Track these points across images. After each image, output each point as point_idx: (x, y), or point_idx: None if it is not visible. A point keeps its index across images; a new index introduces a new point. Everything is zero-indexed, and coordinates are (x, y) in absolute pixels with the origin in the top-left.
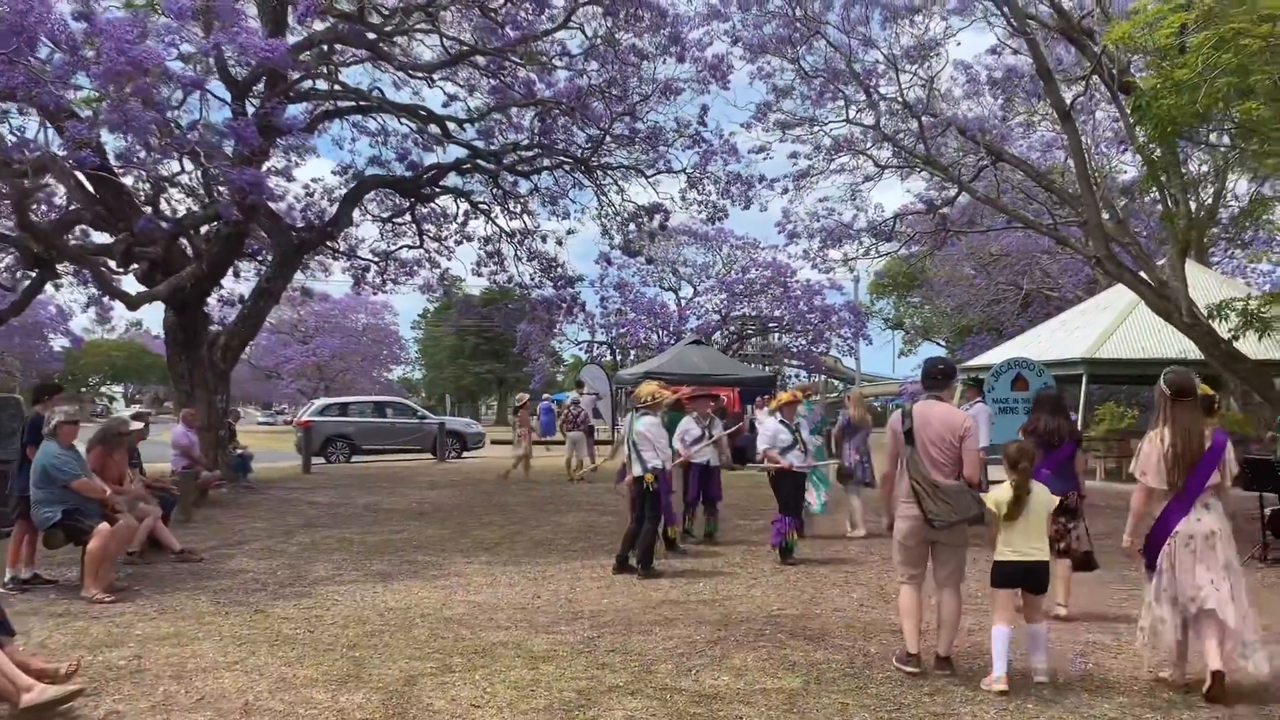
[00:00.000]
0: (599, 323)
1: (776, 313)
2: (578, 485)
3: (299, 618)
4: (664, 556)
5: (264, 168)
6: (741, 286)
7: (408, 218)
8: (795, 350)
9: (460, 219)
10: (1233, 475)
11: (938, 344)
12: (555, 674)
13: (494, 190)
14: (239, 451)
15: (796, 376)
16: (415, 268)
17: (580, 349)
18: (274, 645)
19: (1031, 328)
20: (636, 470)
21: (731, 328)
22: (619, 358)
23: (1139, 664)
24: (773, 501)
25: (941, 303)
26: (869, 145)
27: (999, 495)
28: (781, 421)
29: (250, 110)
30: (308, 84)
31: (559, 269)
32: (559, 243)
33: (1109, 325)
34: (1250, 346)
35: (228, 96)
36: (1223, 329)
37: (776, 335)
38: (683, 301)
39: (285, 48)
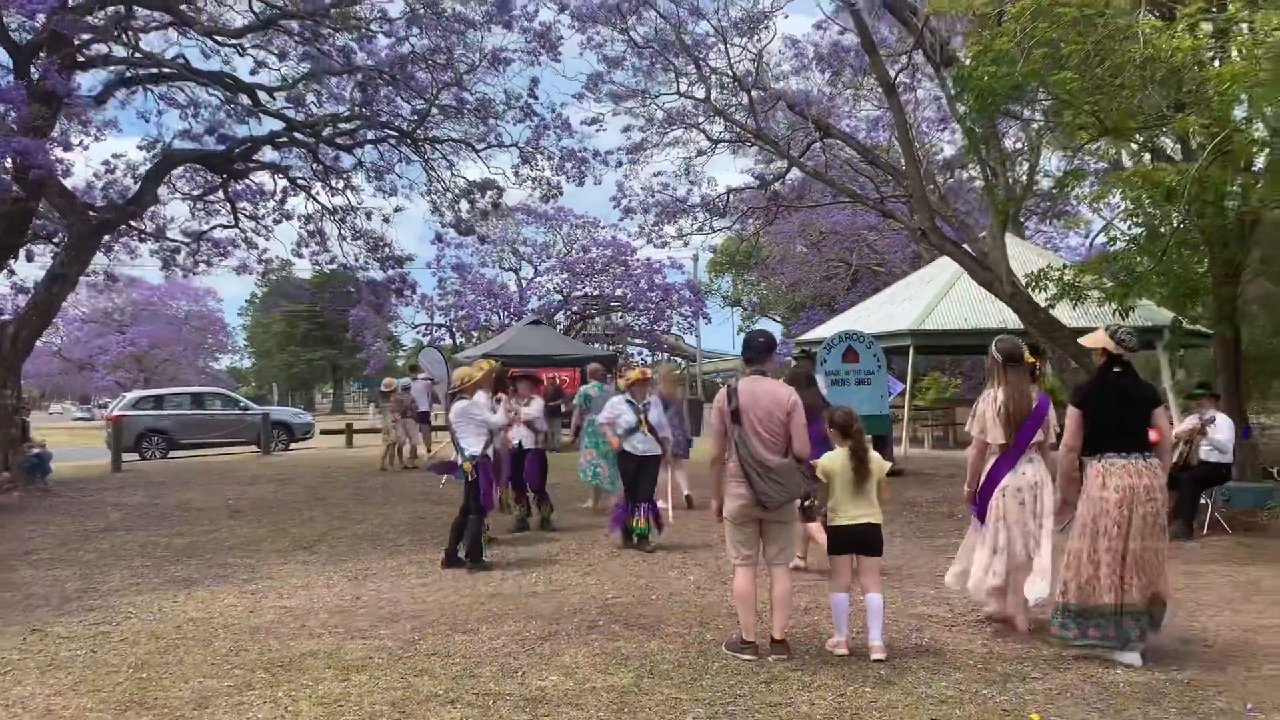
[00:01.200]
0: (437, 305)
1: (618, 292)
2: (409, 475)
3: (82, 636)
4: (511, 543)
5: (49, 139)
6: (583, 266)
7: (221, 195)
8: (638, 329)
9: (278, 196)
10: (1055, 433)
11: (774, 320)
12: (368, 685)
13: (314, 165)
14: (34, 450)
15: (639, 355)
16: (230, 248)
17: (418, 332)
18: (46, 671)
19: (861, 302)
20: (456, 458)
21: (574, 308)
22: (459, 341)
23: (974, 638)
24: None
25: (776, 280)
26: (701, 119)
27: (830, 463)
28: (628, 401)
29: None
30: (102, 49)
31: (387, 248)
32: (386, 221)
33: (934, 297)
34: (1066, 314)
35: (10, 62)
36: (1040, 298)
37: (619, 314)
38: (523, 282)
39: (56, 3)
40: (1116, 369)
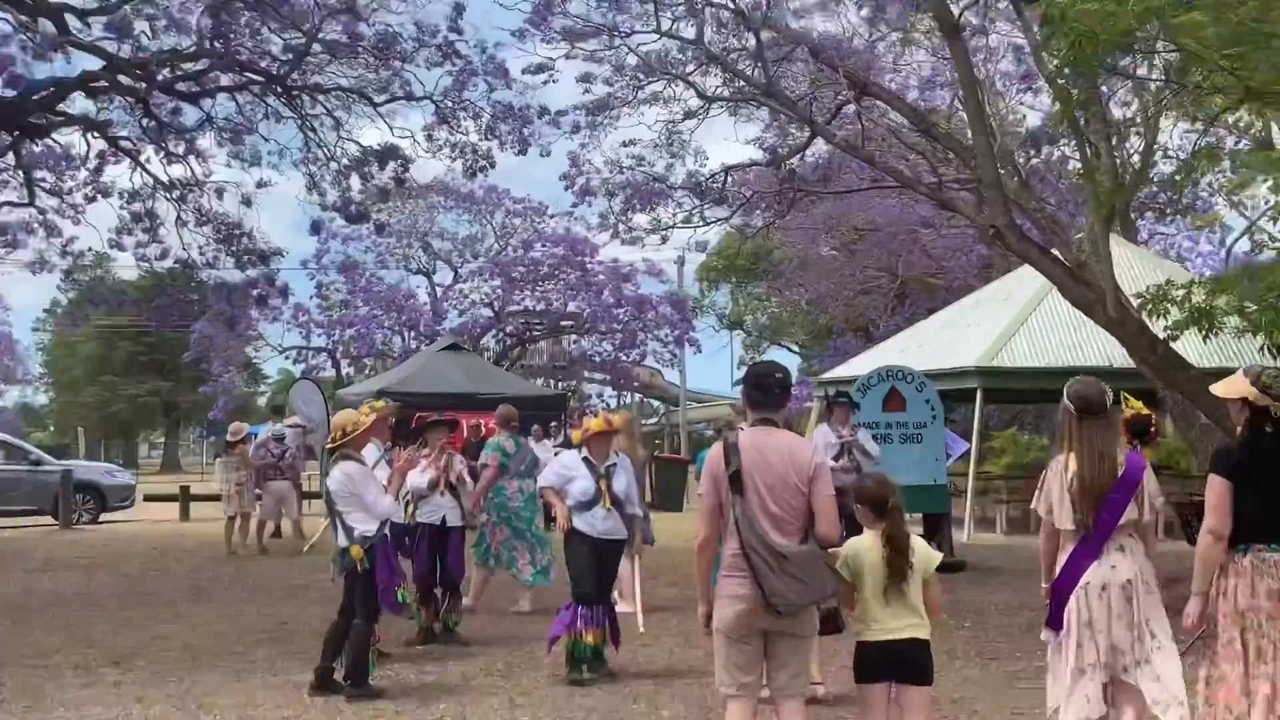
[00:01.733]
0: (316, 320)
1: (571, 306)
2: (272, 560)
3: None
4: (411, 660)
5: None
6: (522, 269)
7: (9, 160)
8: (598, 359)
9: (92, 164)
10: (1154, 510)
11: (788, 349)
12: None
13: (143, 121)
14: None
15: (600, 397)
16: (22, 236)
17: (289, 358)
18: None
19: (910, 327)
20: (340, 541)
21: (508, 327)
22: (346, 372)
23: None
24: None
25: (794, 294)
26: (690, 68)
27: (857, 552)
28: (585, 461)
29: None
30: None
31: (245, 239)
32: (245, 202)
33: (1010, 323)
34: (1194, 349)
35: None
36: (1159, 326)
37: (572, 338)
38: (438, 291)
39: None
40: (1268, 428)
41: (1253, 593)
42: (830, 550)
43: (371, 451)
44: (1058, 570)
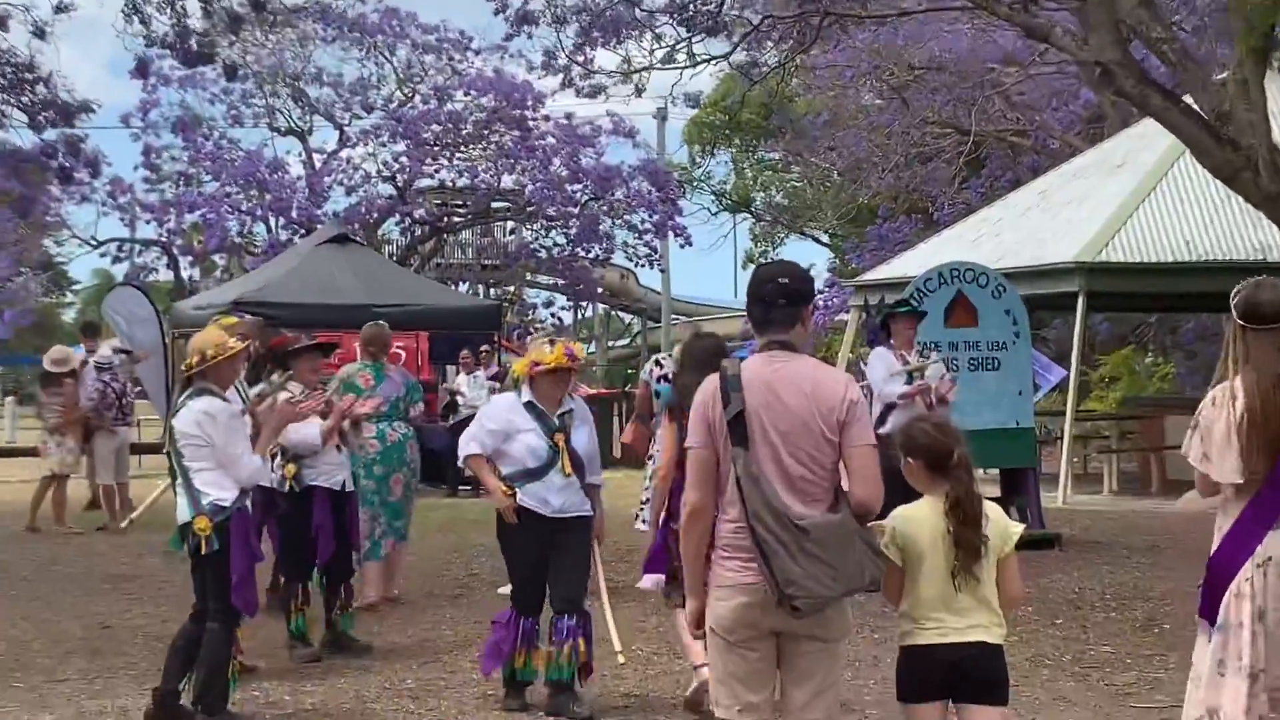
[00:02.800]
0: (141, 201)
1: (507, 181)
2: (89, 540)
3: None
4: (291, 676)
5: None
6: (437, 128)
7: None
8: (546, 254)
9: None
10: None
11: (816, 240)
12: None
13: None
14: None
15: (549, 312)
16: None
17: (104, 256)
18: None
19: (985, 207)
20: (180, 511)
21: (418, 211)
22: (187, 273)
23: None
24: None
25: (822, 161)
26: None
27: (909, 525)
28: (530, 405)
29: None
30: None
31: (41, 87)
32: (39, 33)
33: (1125, 201)
34: None
35: None
36: None
37: (508, 226)
38: (317, 159)
39: None
40: None
41: None
42: (870, 524)
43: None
44: (1215, 541)
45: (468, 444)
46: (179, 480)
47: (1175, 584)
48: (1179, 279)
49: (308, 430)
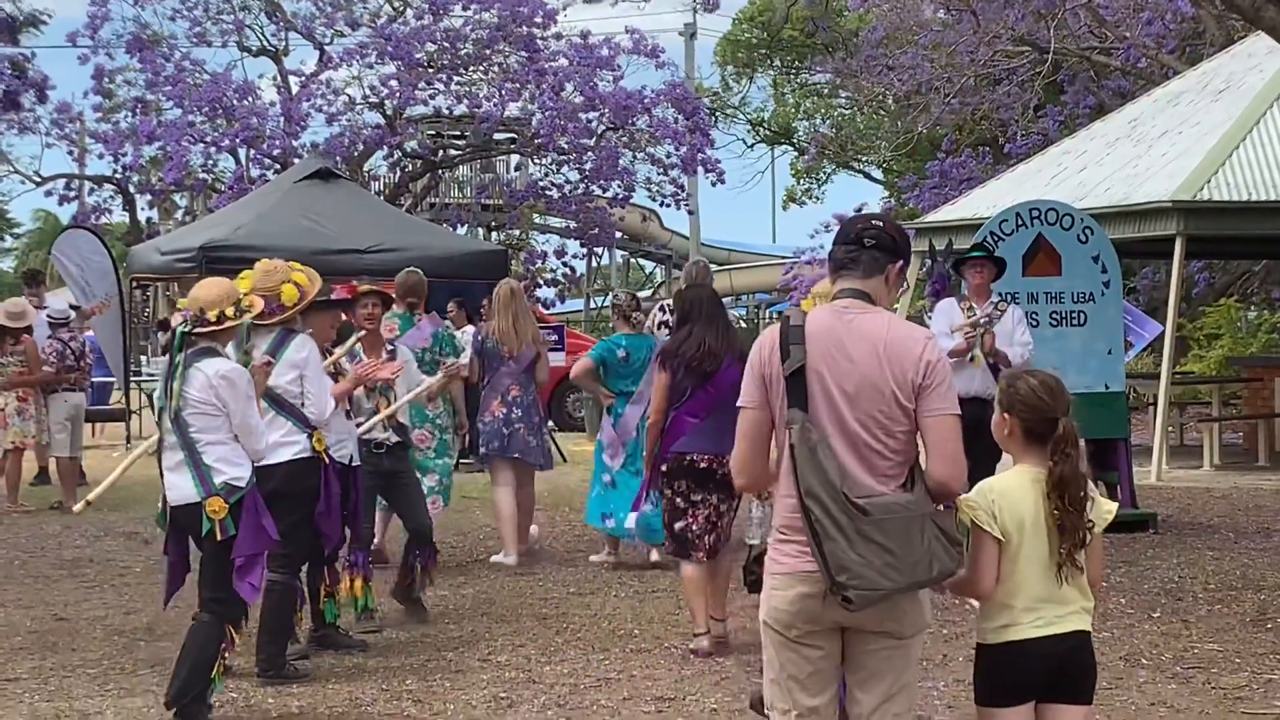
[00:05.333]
0: (93, 132)
1: (513, 109)
2: (37, 519)
3: None
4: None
5: None
6: (432, 47)
7: None
8: (557, 193)
9: None
10: None
11: (868, 176)
12: None
13: None
14: None
15: (561, 257)
16: None
17: (50, 194)
18: None
19: (1065, 137)
20: (181, 491)
21: (410, 143)
22: (145, 214)
23: None
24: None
25: (875, 84)
26: None
27: (1004, 497)
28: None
29: None
30: None
31: None
32: None
33: (1231, 132)
34: None
35: None
36: None
37: (514, 161)
38: (294, 83)
39: None
40: None
41: None
42: (960, 499)
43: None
44: None
45: None
46: (179, 455)
47: None
48: None
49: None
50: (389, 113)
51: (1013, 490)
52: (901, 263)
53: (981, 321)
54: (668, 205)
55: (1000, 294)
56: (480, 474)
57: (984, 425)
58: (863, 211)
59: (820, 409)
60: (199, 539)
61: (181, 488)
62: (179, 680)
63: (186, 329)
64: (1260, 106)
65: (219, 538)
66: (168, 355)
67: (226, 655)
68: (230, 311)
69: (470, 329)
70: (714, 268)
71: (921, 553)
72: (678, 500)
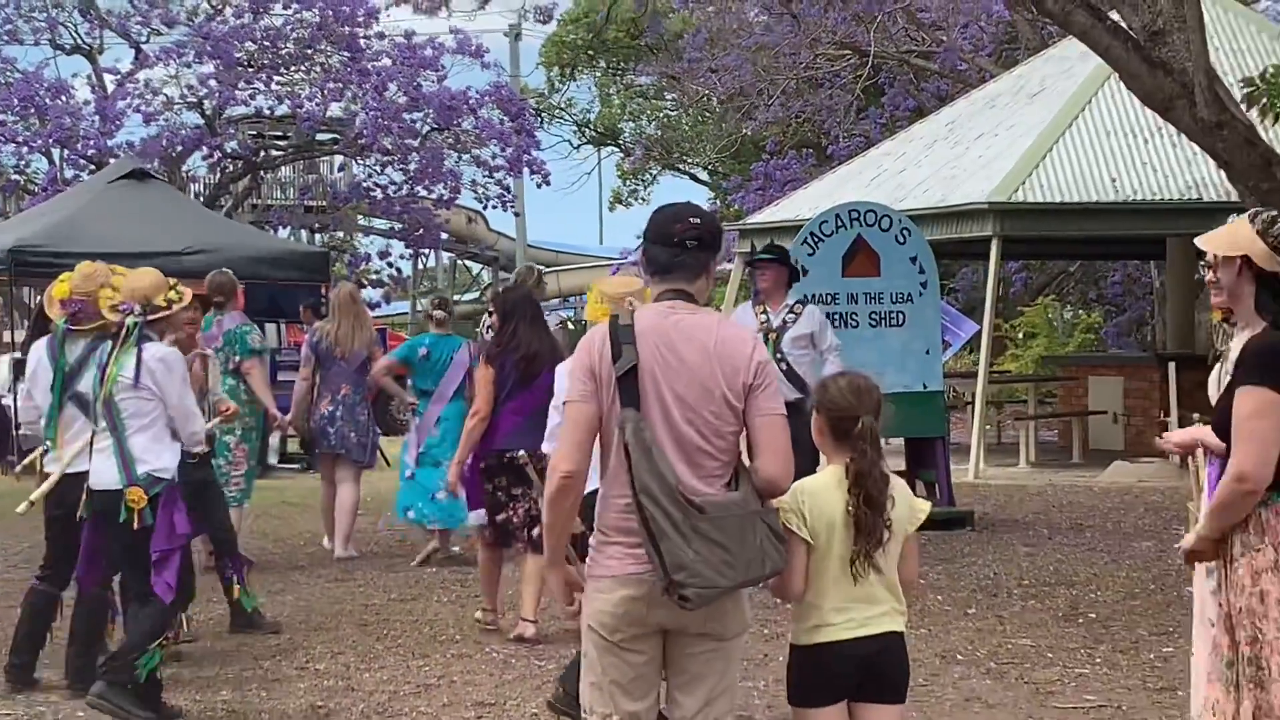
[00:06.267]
0: None
1: (335, 109)
2: None
3: None
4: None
5: None
6: (252, 45)
7: None
8: (381, 194)
9: None
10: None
11: (693, 177)
12: None
13: None
14: None
15: (383, 259)
16: None
17: None
18: None
19: (885, 139)
20: (103, 477)
21: (230, 144)
22: None
23: None
24: None
25: (700, 86)
26: None
27: (814, 499)
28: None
29: None
30: None
31: None
32: None
33: (1045, 133)
34: None
35: None
36: (1277, 134)
37: (337, 161)
38: (109, 81)
39: None
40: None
41: None
42: (773, 501)
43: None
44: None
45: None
46: (107, 441)
47: (1101, 568)
48: (1103, 221)
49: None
50: (208, 113)
51: (822, 491)
52: (717, 255)
53: (775, 326)
54: (494, 207)
55: (800, 298)
56: (303, 478)
57: None
58: (680, 203)
59: (651, 409)
60: (113, 526)
61: (104, 473)
62: (107, 669)
63: (138, 319)
64: (1073, 109)
65: (135, 526)
66: (54, 347)
67: (171, 642)
68: (174, 296)
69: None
70: (540, 268)
71: (755, 550)
72: (499, 495)
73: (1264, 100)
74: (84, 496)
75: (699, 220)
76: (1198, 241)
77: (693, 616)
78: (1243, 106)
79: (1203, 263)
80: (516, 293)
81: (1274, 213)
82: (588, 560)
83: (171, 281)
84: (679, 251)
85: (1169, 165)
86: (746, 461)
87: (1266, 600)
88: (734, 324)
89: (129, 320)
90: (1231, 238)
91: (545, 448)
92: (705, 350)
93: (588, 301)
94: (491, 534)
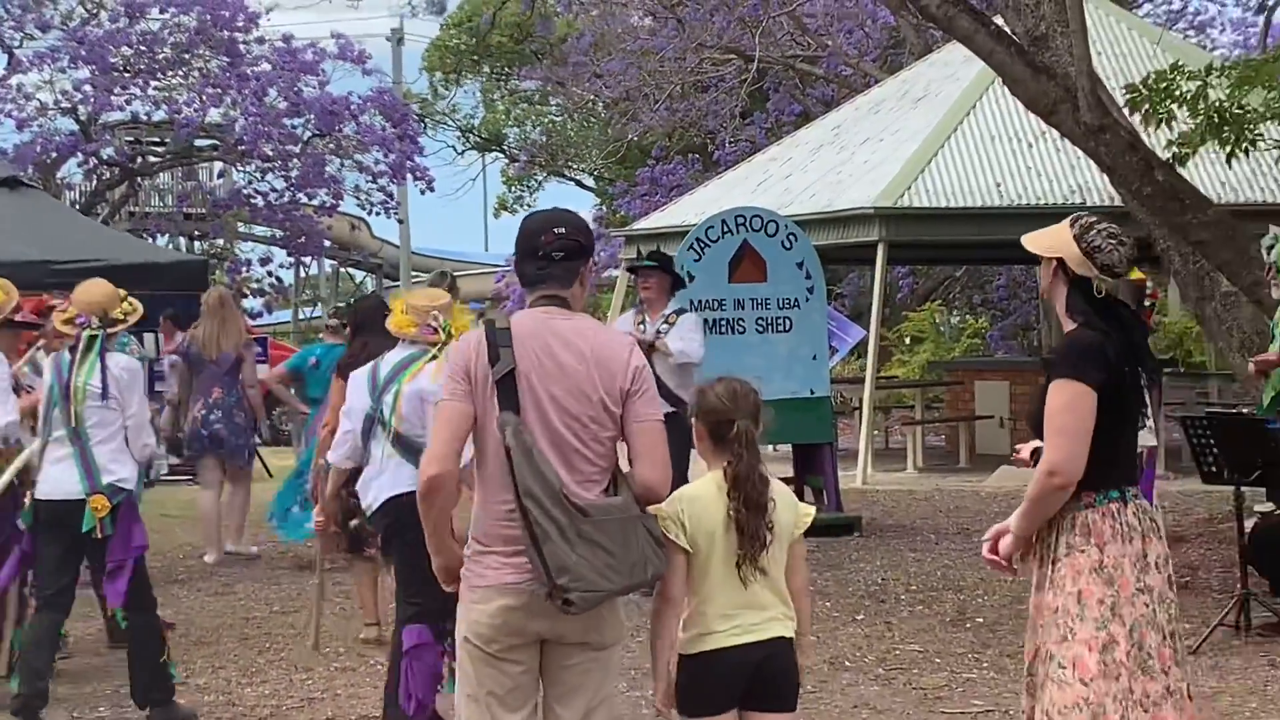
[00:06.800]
0: None
1: (214, 114)
2: None
3: None
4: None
5: None
6: (128, 50)
7: None
8: (262, 202)
9: None
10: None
11: (579, 183)
12: None
13: None
14: None
15: (266, 266)
16: None
17: None
18: None
19: (771, 144)
20: (62, 485)
21: (106, 150)
22: None
23: None
24: None
25: (585, 91)
26: None
27: (694, 505)
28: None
29: None
30: None
31: None
32: None
33: (930, 138)
34: (1212, 175)
35: None
36: (1158, 138)
37: (216, 168)
38: None
39: None
40: (1085, 306)
41: (1144, 561)
42: (652, 509)
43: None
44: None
45: None
46: (66, 449)
47: (988, 573)
48: (988, 226)
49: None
50: (83, 119)
51: (702, 498)
52: (590, 260)
53: (652, 336)
54: (377, 213)
55: (682, 305)
56: (183, 490)
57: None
58: (552, 209)
59: (529, 413)
60: (71, 535)
61: (63, 482)
62: (140, 679)
63: (97, 331)
64: (958, 114)
65: (99, 536)
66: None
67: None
68: (128, 308)
69: (180, 337)
70: (424, 276)
71: (638, 554)
72: (352, 501)
73: (1146, 105)
74: (29, 506)
75: (564, 230)
76: (1024, 240)
77: (571, 626)
78: (1125, 111)
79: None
80: (368, 303)
81: (1092, 218)
82: (463, 571)
83: (122, 293)
84: (547, 264)
85: (1053, 170)
86: (625, 468)
87: (1084, 600)
88: (611, 330)
89: (86, 333)
90: (1050, 239)
91: (331, 456)
92: (582, 355)
93: (393, 314)
94: (344, 541)
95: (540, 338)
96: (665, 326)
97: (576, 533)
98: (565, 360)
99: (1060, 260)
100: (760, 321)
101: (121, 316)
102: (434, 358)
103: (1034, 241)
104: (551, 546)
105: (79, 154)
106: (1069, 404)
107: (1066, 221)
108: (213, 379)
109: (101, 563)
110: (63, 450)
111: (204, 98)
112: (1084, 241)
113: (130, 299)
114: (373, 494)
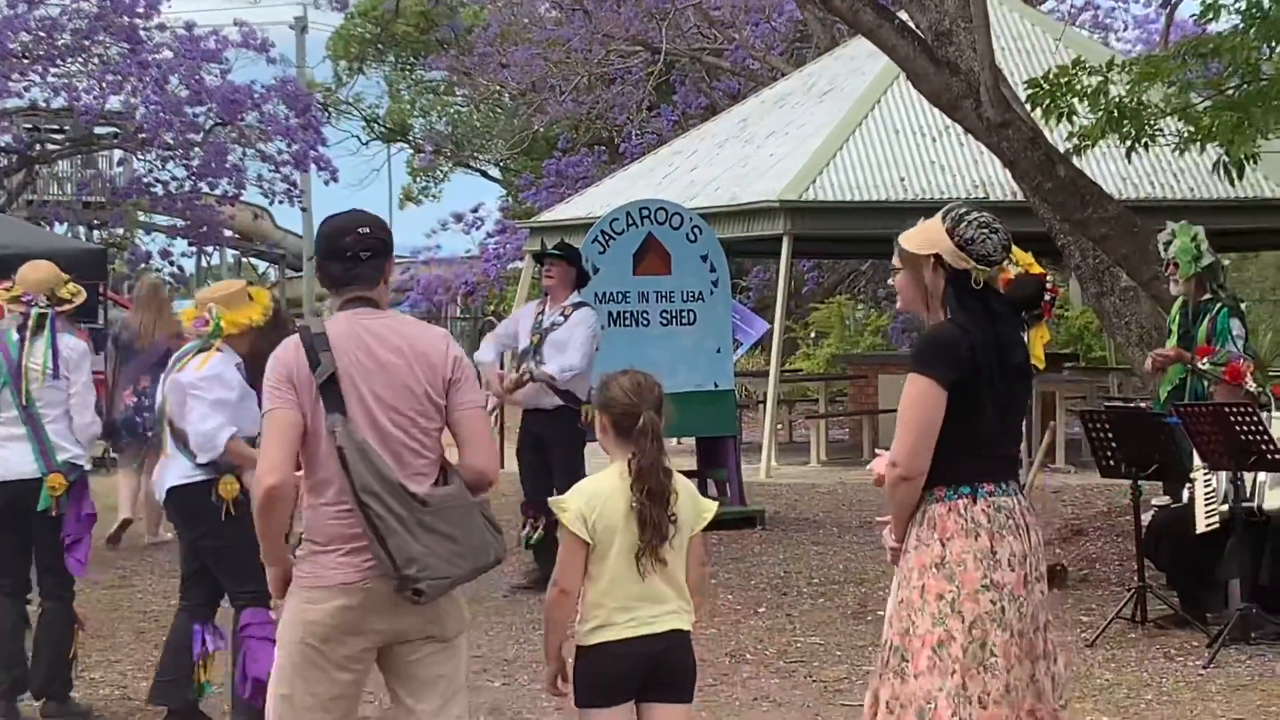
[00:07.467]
0: None
1: (114, 102)
2: None
3: None
4: None
5: None
6: (26, 36)
7: None
8: (163, 190)
9: None
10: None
11: (484, 175)
12: None
13: None
14: None
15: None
16: None
17: None
18: None
19: (677, 137)
20: (13, 465)
21: (4, 137)
22: None
23: None
24: None
25: (491, 81)
26: None
27: (597, 499)
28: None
29: None
30: None
31: None
32: None
33: (834, 132)
34: (1112, 169)
35: None
36: (1059, 133)
37: (116, 156)
38: None
39: None
40: (988, 302)
41: (993, 557)
42: (554, 500)
43: None
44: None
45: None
46: (18, 430)
47: (889, 566)
48: (892, 220)
49: None
50: None
51: (604, 490)
52: (392, 259)
53: (544, 328)
54: (280, 203)
55: (583, 299)
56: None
57: (541, 438)
58: (350, 214)
59: (355, 412)
60: (28, 515)
61: (14, 462)
62: (44, 669)
63: (46, 309)
64: (862, 109)
65: (54, 514)
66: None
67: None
68: (72, 289)
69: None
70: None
71: (479, 539)
72: None
73: (1047, 101)
74: None
75: (368, 230)
76: (900, 239)
77: (411, 622)
78: (1027, 106)
79: (891, 264)
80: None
81: (963, 210)
82: (295, 571)
83: (65, 276)
84: (353, 264)
85: (957, 164)
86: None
87: (925, 594)
88: (422, 323)
89: (35, 311)
90: (924, 236)
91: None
92: (401, 351)
93: (183, 313)
94: None
95: (357, 338)
96: (560, 319)
97: (418, 523)
98: (385, 358)
99: (937, 255)
100: (664, 314)
101: (68, 296)
102: (200, 350)
103: (909, 240)
104: (397, 539)
105: None
106: (917, 398)
107: (938, 216)
108: (140, 368)
109: (49, 541)
110: (15, 430)
111: (104, 85)
112: (957, 235)
113: (70, 284)
114: (162, 485)
